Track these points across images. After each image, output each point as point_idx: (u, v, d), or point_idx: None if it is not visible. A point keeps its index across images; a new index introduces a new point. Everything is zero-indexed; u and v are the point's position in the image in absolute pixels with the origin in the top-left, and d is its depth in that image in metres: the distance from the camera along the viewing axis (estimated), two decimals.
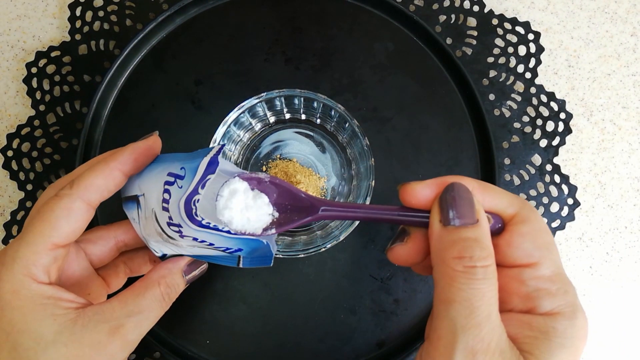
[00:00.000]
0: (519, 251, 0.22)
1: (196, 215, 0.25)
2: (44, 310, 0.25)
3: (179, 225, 0.26)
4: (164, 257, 0.30)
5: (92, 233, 0.32)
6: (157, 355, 0.39)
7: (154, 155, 0.29)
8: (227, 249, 0.28)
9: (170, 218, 0.26)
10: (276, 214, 0.26)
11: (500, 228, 0.23)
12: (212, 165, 0.26)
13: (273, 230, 0.26)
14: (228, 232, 0.26)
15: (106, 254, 0.32)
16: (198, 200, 0.25)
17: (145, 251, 0.33)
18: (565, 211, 0.41)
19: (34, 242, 0.25)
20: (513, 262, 0.23)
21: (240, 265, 0.30)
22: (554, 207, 0.41)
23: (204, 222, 0.26)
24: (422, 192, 0.24)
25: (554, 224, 0.41)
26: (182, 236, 0.27)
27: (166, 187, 0.27)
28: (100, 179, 0.27)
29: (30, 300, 0.25)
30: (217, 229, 0.26)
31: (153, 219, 0.28)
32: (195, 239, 0.27)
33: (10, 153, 0.41)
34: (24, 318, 0.25)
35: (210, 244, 0.27)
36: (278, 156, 0.40)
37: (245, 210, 0.25)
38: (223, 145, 0.28)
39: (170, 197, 0.27)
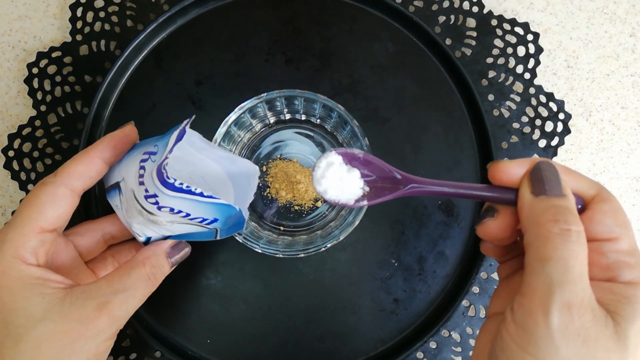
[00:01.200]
0: (601, 226, 0.24)
1: (168, 178, 0.27)
2: (33, 290, 0.26)
3: (155, 196, 0.27)
4: (147, 242, 0.31)
5: (81, 226, 0.33)
6: (157, 355, 0.39)
7: (132, 143, 0.31)
8: (204, 219, 0.29)
9: (146, 190, 0.28)
10: (367, 188, 0.28)
11: (580, 209, 0.25)
12: (181, 134, 0.28)
13: (365, 202, 0.28)
14: (201, 194, 0.27)
15: (94, 246, 0.33)
16: (167, 163, 0.27)
17: (132, 244, 0.35)
18: None
19: (22, 226, 0.27)
20: (595, 236, 0.24)
21: (218, 237, 0.32)
22: None
23: (176, 184, 0.27)
24: (512, 170, 0.25)
25: None
26: (159, 208, 0.28)
27: (142, 164, 0.29)
28: (81, 166, 0.29)
29: (19, 280, 0.26)
30: (190, 192, 0.27)
31: (133, 198, 0.29)
32: (172, 210, 0.28)
33: (11, 153, 0.41)
34: (13, 297, 0.26)
35: (187, 215, 0.29)
36: (278, 156, 0.41)
37: (339, 181, 0.27)
38: (192, 117, 0.30)
39: (144, 172, 0.28)
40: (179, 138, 0.28)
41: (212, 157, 0.34)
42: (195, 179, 0.34)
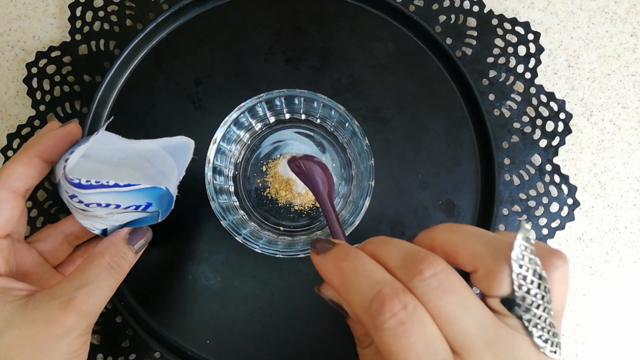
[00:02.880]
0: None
1: (71, 179, 0.26)
2: None
3: (74, 196, 0.27)
4: (105, 233, 0.31)
5: (41, 232, 0.33)
6: (157, 356, 0.39)
7: (73, 141, 0.30)
8: (138, 206, 0.29)
9: (66, 191, 0.28)
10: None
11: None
12: (90, 136, 0.28)
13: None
14: (116, 184, 0.27)
15: (58, 249, 0.33)
16: (67, 160, 0.27)
17: (98, 241, 0.34)
18: (565, 211, 0.41)
19: None
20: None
21: (160, 220, 0.32)
22: (554, 207, 0.41)
23: (83, 182, 0.26)
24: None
25: (554, 224, 0.41)
26: (87, 205, 0.28)
27: (64, 164, 0.28)
28: (21, 167, 0.28)
29: None
30: (104, 185, 0.27)
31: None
32: (99, 204, 0.28)
33: (10, 153, 0.41)
34: None
35: (118, 206, 0.28)
36: (278, 156, 0.40)
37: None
38: (110, 119, 0.31)
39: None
40: (86, 140, 0.28)
41: (145, 142, 0.33)
42: (137, 162, 0.33)
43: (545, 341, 0.21)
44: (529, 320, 0.21)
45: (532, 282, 0.21)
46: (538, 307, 0.21)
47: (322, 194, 0.35)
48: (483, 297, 0.22)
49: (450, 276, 0.21)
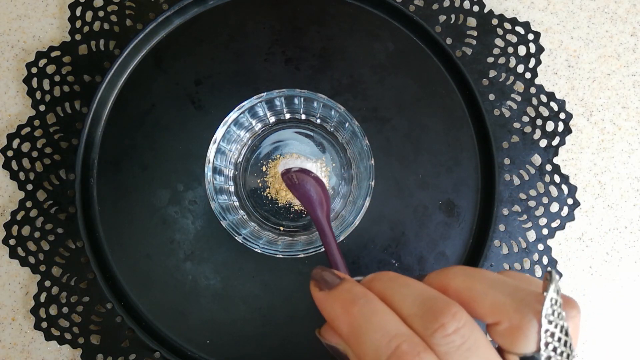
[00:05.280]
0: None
1: None
2: None
3: None
4: None
5: None
6: (157, 355, 0.39)
7: None
8: None
9: None
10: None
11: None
12: None
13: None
14: None
15: None
16: None
17: None
18: (565, 211, 0.41)
19: None
20: None
21: None
22: (554, 207, 0.41)
23: None
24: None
25: (554, 224, 0.41)
26: None
27: None
28: None
29: None
30: None
31: None
32: None
33: (10, 153, 0.41)
34: None
35: None
36: (278, 156, 0.40)
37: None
38: None
39: None
40: None
41: None
42: None
43: None
44: None
45: (559, 339, 0.19)
46: None
47: (320, 218, 0.32)
48: (500, 350, 0.20)
49: (474, 332, 0.19)
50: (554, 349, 0.19)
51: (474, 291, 0.21)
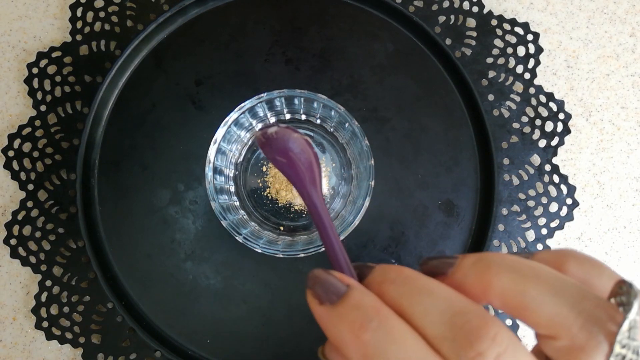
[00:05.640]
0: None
1: None
2: None
3: None
4: None
5: None
6: (157, 355, 0.39)
7: None
8: None
9: None
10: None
11: None
12: None
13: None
14: None
15: None
16: None
17: None
18: (564, 211, 0.41)
19: None
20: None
21: None
22: (553, 207, 0.41)
23: None
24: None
25: (553, 224, 0.41)
26: None
27: None
28: None
29: None
30: None
31: None
32: None
33: (11, 153, 0.41)
34: None
35: None
36: None
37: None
38: None
39: None
40: None
41: None
42: None
43: None
44: None
45: None
46: None
47: (313, 195, 0.24)
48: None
49: (519, 355, 0.15)
50: None
51: (527, 297, 0.16)
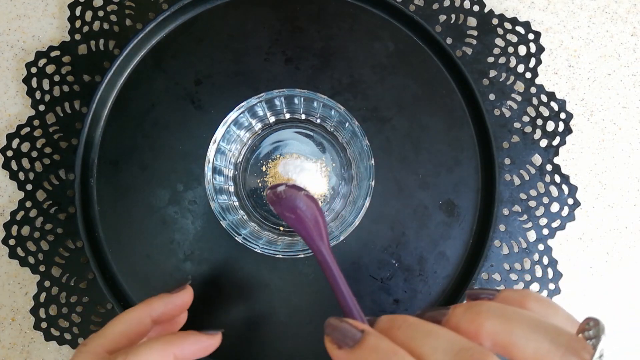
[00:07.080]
0: None
1: None
2: None
3: None
4: None
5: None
6: None
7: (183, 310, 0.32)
8: None
9: None
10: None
11: None
12: None
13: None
14: None
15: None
16: None
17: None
18: (565, 211, 0.41)
19: None
20: None
21: None
22: (554, 207, 0.41)
23: None
24: None
25: (554, 224, 0.41)
26: None
27: None
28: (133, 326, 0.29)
29: None
30: None
31: None
32: None
33: (9, 153, 0.41)
34: None
35: None
36: (278, 156, 0.40)
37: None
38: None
39: None
40: None
41: None
42: None
43: None
44: None
45: None
46: None
47: (322, 248, 0.27)
48: None
49: None
50: None
51: (513, 336, 0.19)
